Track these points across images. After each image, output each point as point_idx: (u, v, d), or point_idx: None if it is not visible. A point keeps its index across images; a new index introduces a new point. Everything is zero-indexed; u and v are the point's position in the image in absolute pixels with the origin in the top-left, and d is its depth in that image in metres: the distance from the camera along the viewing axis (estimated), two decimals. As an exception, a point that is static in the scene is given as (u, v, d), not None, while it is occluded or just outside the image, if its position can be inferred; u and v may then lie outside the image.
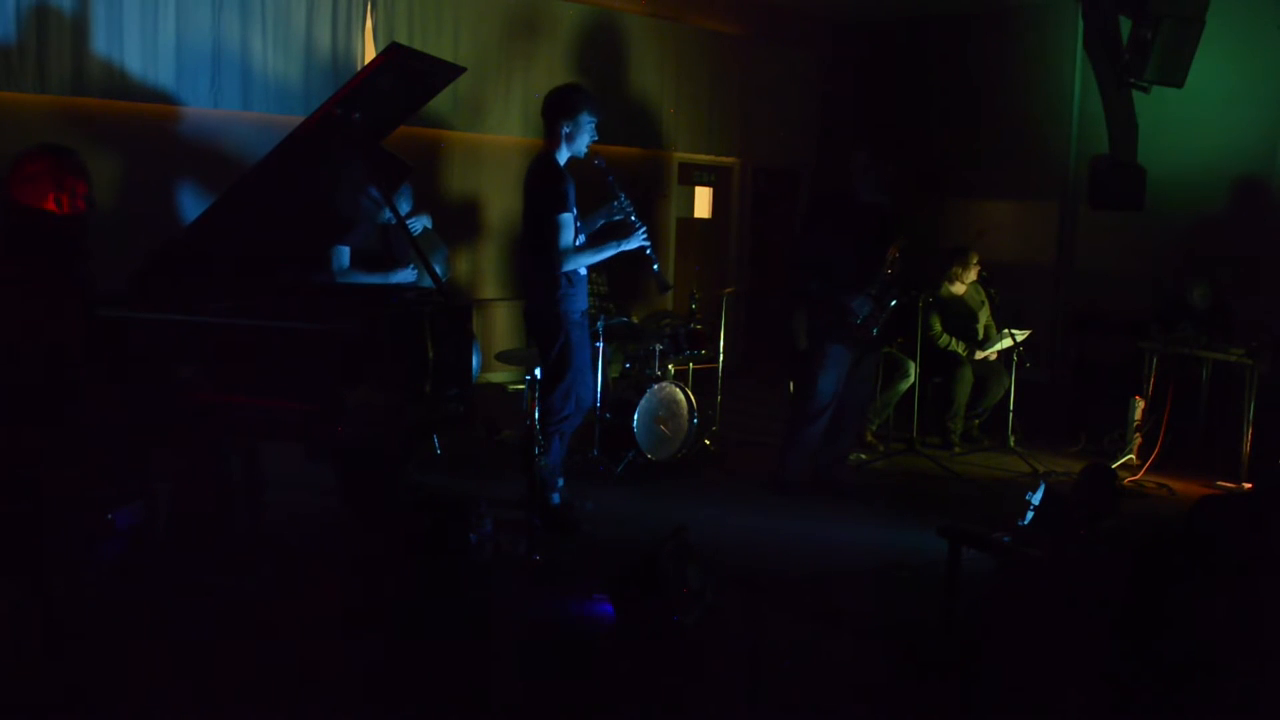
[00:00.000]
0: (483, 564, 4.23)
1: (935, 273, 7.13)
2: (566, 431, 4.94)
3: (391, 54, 3.76)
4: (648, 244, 4.91)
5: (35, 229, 3.51)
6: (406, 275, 5.39)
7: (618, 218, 4.96)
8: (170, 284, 3.83)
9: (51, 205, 3.50)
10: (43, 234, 3.51)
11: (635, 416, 5.78)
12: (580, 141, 4.79)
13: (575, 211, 4.78)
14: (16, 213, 3.50)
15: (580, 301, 4.90)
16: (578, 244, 4.81)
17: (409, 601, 3.84)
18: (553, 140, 4.79)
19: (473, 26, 7.97)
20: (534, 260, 4.84)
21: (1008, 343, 6.73)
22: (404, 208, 5.74)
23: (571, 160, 4.84)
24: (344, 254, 5.18)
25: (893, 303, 5.60)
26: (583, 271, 4.90)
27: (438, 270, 5.73)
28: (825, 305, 5.55)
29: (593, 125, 4.80)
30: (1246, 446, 6.08)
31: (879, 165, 5.56)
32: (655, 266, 5.01)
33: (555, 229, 4.69)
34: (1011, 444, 6.82)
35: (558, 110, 4.77)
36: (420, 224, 5.77)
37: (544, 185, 4.77)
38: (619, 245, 4.86)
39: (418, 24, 7.63)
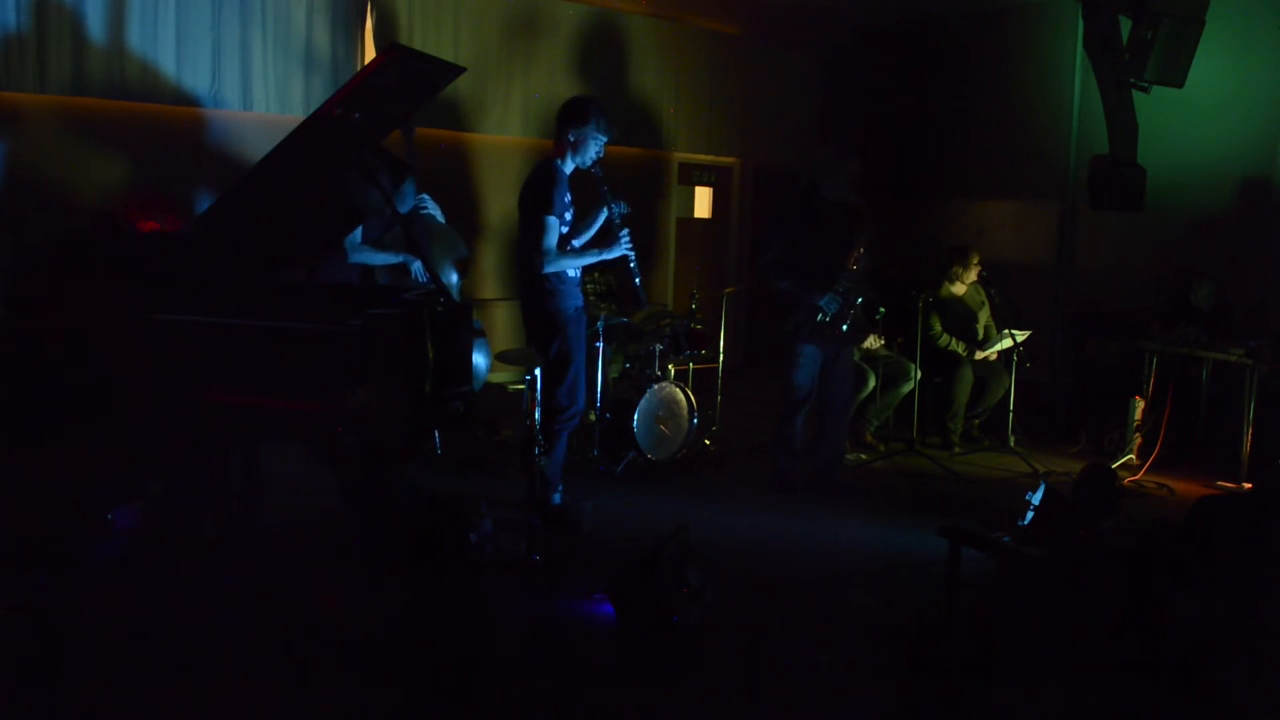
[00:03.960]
0: (482, 564, 4.23)
1: (935, 273, 7.14)
2: (570, 429, 4.97)
3: (391, 54, 3.76)
4: (631, 253, 4.96)
5: (116, 235, 3.88)
6: (417, 266, 5.40)
7: (602, 224, 5.04)
8: (169, 284, 3.83)
9: (133, 217, 3.78)
10: (121, 241, 3.77)
11: (635, 416, 5.78)
12: (585, 153, 4.85)
13: (568, 217, 4.85)
14: (114, 228, 3.98)
15: (574, 299, 4.95)
16: (572, 246, 4.91)
17: (408, 602, 3.84)
18: (559, 147, 4.87)
19: (473, 26, 7.98)
20: (523, 261, 4.89)
21: (1008, 343, 6.73)
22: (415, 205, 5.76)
23: (576, 170, 4.91)
24: (355, 230, 5.20)
25: (859, 300, 5.60)
26: (572, 273, 4.93)
27: (456, 272, 5.79)
28: (795, 304, 5.59)
29: (600, 142, 4.86)
30: (1246, 446, 6.08)
31: (843, 163, 5.59)
32: (637, 280, 5.07)
33: (540, 229, 4.75)
34: (1011, 444, 6.82)
35: (568, 118, 4.84)
36: (426, 205, 5.80)
37: (535, 186, 4.86)
38: (600, 254, 4.93)
39: (418, 24, 7.64)
